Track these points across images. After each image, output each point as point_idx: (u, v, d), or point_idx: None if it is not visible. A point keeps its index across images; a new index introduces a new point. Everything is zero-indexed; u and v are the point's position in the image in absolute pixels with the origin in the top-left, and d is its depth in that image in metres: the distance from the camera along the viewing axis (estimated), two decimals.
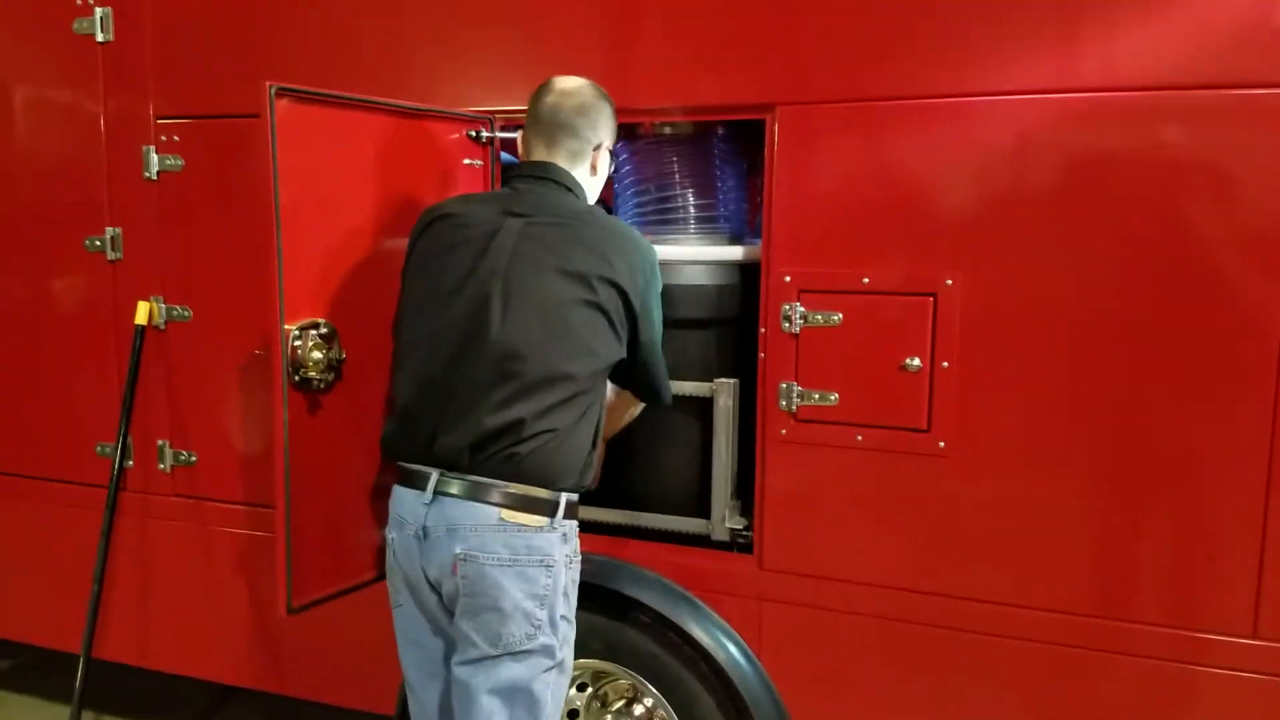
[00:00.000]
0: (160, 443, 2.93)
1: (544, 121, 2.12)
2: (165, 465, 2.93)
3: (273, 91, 1.99)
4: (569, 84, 2.15)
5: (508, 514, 1.94)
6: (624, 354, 2.07)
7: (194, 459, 2.90)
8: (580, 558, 2.09)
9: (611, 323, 2.02)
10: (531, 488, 1.96)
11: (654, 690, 2.47)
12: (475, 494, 1.95)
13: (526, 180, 2.12)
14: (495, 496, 1.94)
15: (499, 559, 1.94)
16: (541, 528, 1.96)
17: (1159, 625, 2.06)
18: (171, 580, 2.98)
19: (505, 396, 1.93)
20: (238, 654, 2.92)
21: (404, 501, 2.03)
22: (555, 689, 2.02)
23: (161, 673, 3.09)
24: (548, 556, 1.96)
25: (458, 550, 1.94)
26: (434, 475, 1.97)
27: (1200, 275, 1.97)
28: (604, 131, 2.17)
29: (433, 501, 1.97)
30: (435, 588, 2.03)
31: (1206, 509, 2.01)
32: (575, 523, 2.05)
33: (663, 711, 2.50)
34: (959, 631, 2.21)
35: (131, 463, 2.96)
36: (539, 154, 2.14)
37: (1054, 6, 2.02)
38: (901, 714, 2.29)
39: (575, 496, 2.02)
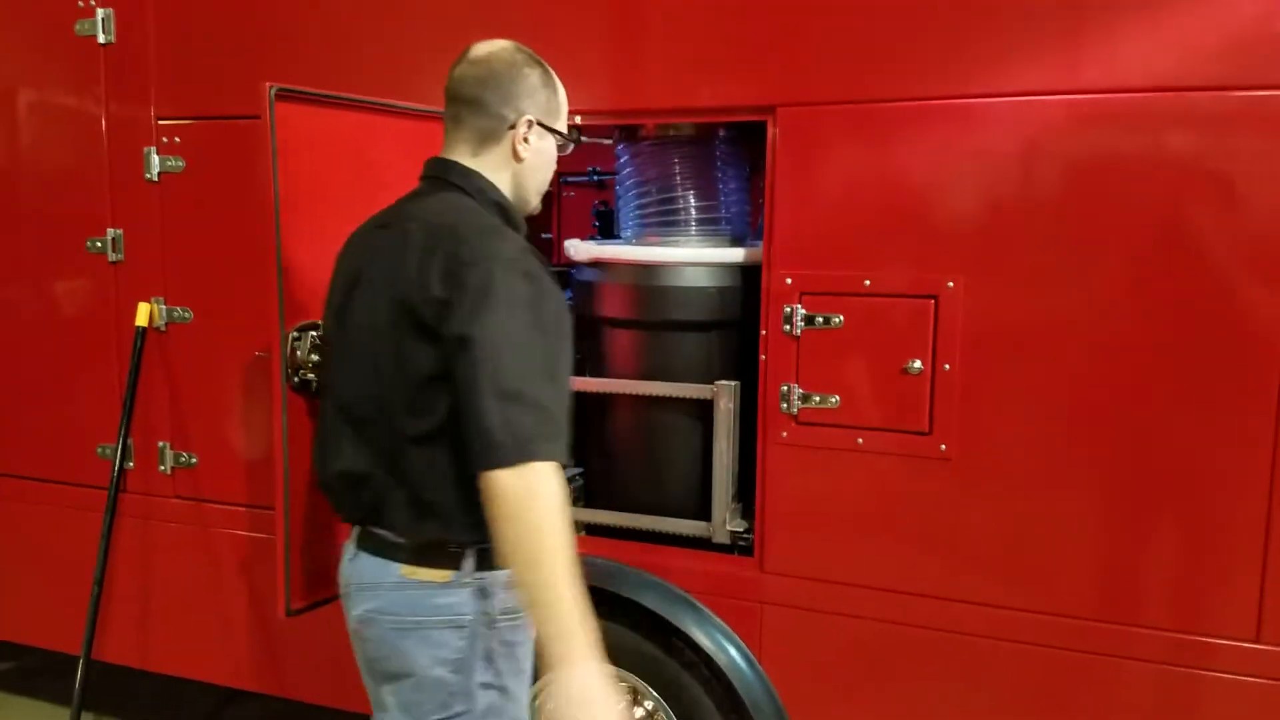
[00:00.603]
0: (161, 444, 2.92)
1: (449, 97, 1.81)
2: (166, 467, 2.92)
3: (273, 93, 1.99)
4: (481, 49, 1.81)
5: (407, 570, 1.72)
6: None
7: (194, 460, 2.90)
8: (519, 616, 1.74)
9: (416, 344, 1.66)
10: (430, 539, 1.71)
11: (654, 693, 2.47)
12: (379, 548, 1.75)
13: (423, 181, 1.86)
14: (396, 551, 1.73)
15: (402, 622, 1.72)
16: (447, 583, 1.71)
17: (1163, 629, 2.05)
18: (172, 582, 2.97)
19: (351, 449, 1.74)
20: (238, 657, 2.91)
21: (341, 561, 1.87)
22: None
23: (163, 675, 3.08)
24: (458, 617, 1.70)
25: (359, 611, 1.77)
26: (356, 530, 1.81)
27: (1206, 281, 1.96)
28: (526, 103, 1.78)
29: (354, 557, 1.80)
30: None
31: (1210, 513, 2.00)
32: (506, 574, 1.68)
33: (663, 714, 2.49)
34: (961, 635, 2.20)
35: (132, 464, 2.96)
36: (446, 139, 1.84)
37: (1058, 7, 2.01)
38: (902, 718, 2.28)
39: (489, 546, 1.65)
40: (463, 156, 1.81)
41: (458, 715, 1.72)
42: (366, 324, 1.71)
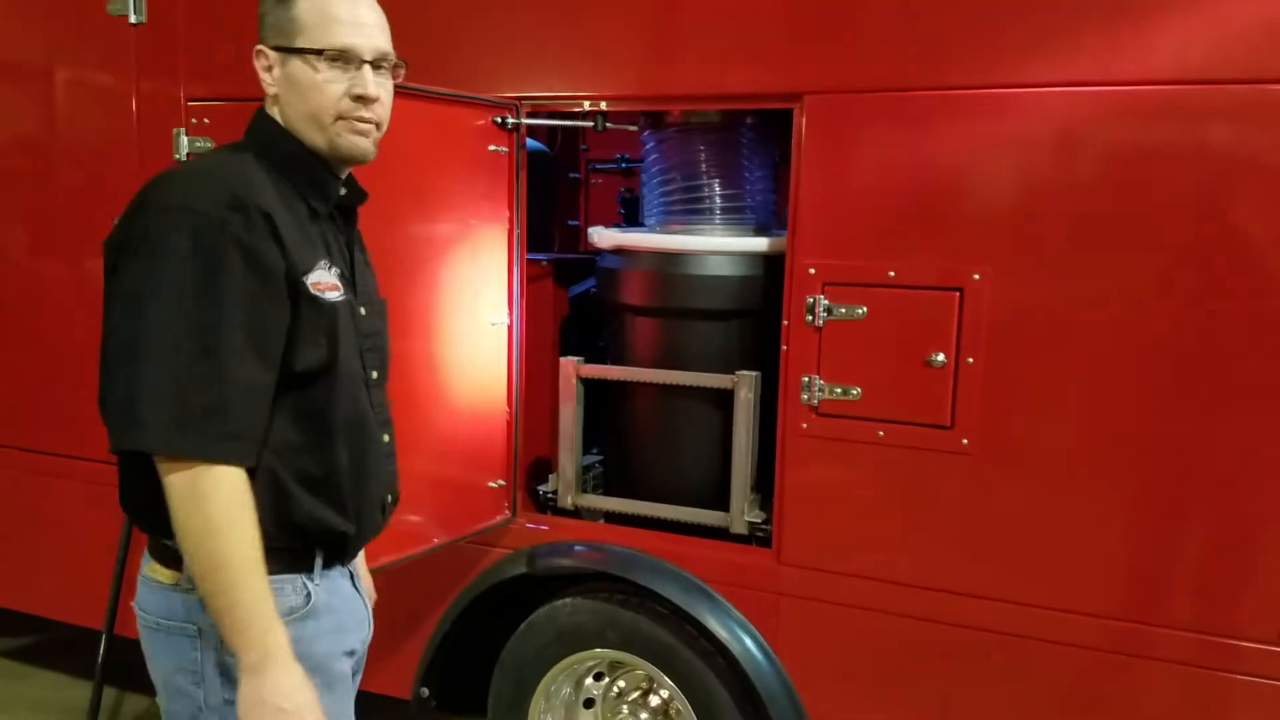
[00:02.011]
0: None
1: None
2: None
3: None
4: None
5: (149, 565, 1.56)
6: None
7: None
8: (286, 626, 1.47)
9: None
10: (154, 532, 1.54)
11: (670, 682, 2.47)
12: None
13: None
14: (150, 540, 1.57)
15: (146, 621, 1.56)
16: (175, 585, 1.52)
17: (1187, 630, 2.02)
18: None
19: None
20: None
21: None
22: None
23: None
24: (189, 624, 1.50)
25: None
26: None
27: (1239, 275, 1.92)
28: (261, 33, 1.61)
29: None
30: None
31: (1238, 513, 1.97)
32: None
33: (678, 703, 2.49)
34: (978, 630, 2.18)
35: None
36: None
37: None
38: (918, 712, 2.27)
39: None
40: (265, 104, 1.64)
41: None
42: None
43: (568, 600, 2.55)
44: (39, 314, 3.15)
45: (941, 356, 2.13)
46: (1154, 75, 1.95)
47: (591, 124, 2.54)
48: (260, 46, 1.60)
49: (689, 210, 2.62)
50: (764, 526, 2.47)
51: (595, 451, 2.90)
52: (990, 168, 2.08)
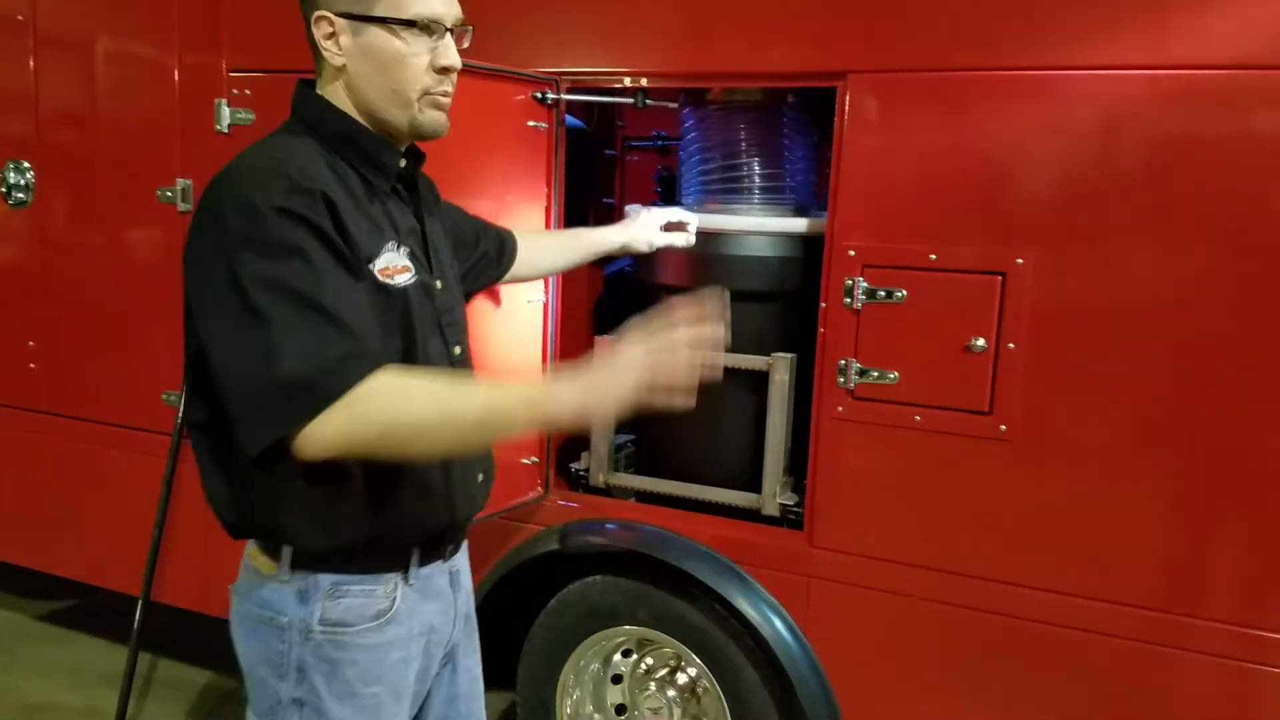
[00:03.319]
0: None
1: None
2: None
3: None
4: None
5: (250, 551, 1.56)
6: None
7: None
8: (366, 632, 1.52)
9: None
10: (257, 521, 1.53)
11: (698, 661, 2.47)
12: None
13: None
14: None
15: (238, 607, 1.57)
16: (273, 576, 1.51)
17: (1225, 623, 1.99)
18: None
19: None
20: None
21: None
22: None
23: (220, 619, 3.15)
24: (278, 616, 1.50)
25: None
26: None
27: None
28: None
29: None
30: None
31: (1277, 506, 1.94)
32: (332, 579, 1.50)
33: (706, 682, 2.50)
34: (1012, 619, 2.16)
35: None
36: None
37: None
38: (949, 698, 2.26)
39: (316, 544, 1.49)
40: (318, 81, 1.55)
41: None
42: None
43: (599, 578, 2.55)
44: (84, 284, 3.19)
45: (982, 341, 2.10)
46: (1205, 59, 1.90)
47: (632, 100, 2.52)
48: (323, 12, 1.47)
49: (728, 190, 2.60)
50: (796, 509, 2.46)
51: (627, 431, 2.90)
52: (1035, 151, 2.05)
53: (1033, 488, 2.11)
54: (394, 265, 1.48)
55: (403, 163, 1.58)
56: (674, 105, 2.70)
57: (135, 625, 2.97)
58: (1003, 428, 2.11)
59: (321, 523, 1.47)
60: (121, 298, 3.12)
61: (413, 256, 1.53)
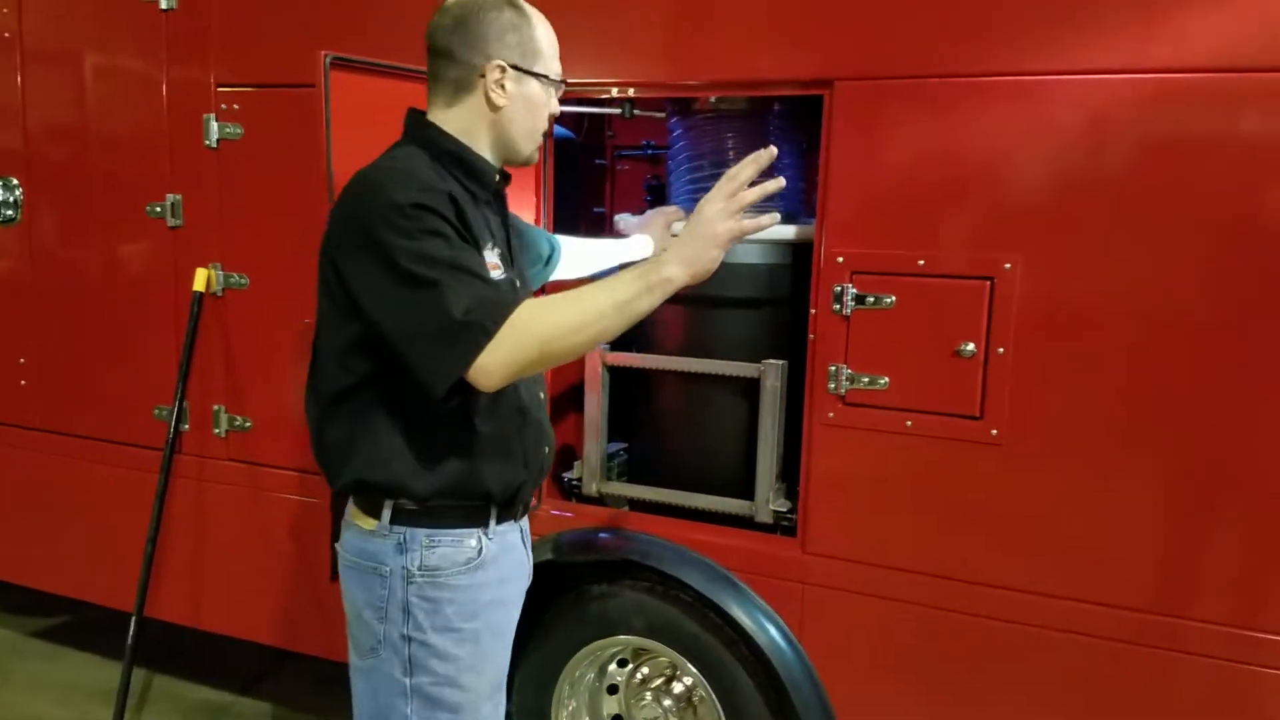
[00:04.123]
0: (216, 407, 2.98)
1: (427, 50, 1.79)
2: (220, 430, 2.98)
3: (327, 61, 2.00)
4: None
5: (352, 510, 1.83)
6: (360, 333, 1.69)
7: (249, 424, 2.94)
8: (459, 574, 1.78)
9: (335, 302, 1.71)
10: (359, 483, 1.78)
11: (694, 669, 2.47)
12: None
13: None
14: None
15: (345, 559, 1.84)
16: (373, 531, 1.78)
17: (1215, 624, 2.00)
18: (224, 544, 3.03)
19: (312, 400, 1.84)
20: (288, 618, 2.97)
21: None
22: None
23: (214, 634, 3.15)
24: (380, 565, 1.77)
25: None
26: None
27: (1274, 265, 1.90)
28: (495, 47, 1.74)
29: None
30: None
31: (1268, 508, 1.95)
32: (425, 532, 1.76)
33: (702, 690, 2.50)
34: (1005, 623, 2.16)
35: (188, 426, 3.02)
36: (428, 92, 1.83)
37: None
38: (944, 703, 2.26)
39: (411, 502, 1.75)
40: (437, 109, 1.80)
41: (383, 661, 1.78)
42: (319, 282, 1.76)
43: (593, 587, 2.55)
44: (74, 301, 3.19)
45: (971, 346, 2.11)
46: (1187, 63, 1.92)
47: (619, 111, 2.53)
48: (498, 61, 1.74)
49: None
50: (789, 516, 2.47)
51: (619, 440, 2.90)
52: (1022, 156, 2.06)
53: (1025, 491, 2.12)
54: (492, 261, 1.73)
55: (498, 179, 1.85)
56: (661, 115, 2.71)
57: (129, 640, 2.97)
58: (994, 432, 2.12)
59: (417, 481, 1.73)
60: (112, 313, 3.12)
61: (502, 258, 1.80)
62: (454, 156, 1.77)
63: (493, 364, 1.57)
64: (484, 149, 1.81)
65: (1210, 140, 1.92)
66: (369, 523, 1.78)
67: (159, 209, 2.98)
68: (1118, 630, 2.07)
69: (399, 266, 1.57)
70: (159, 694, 3.46)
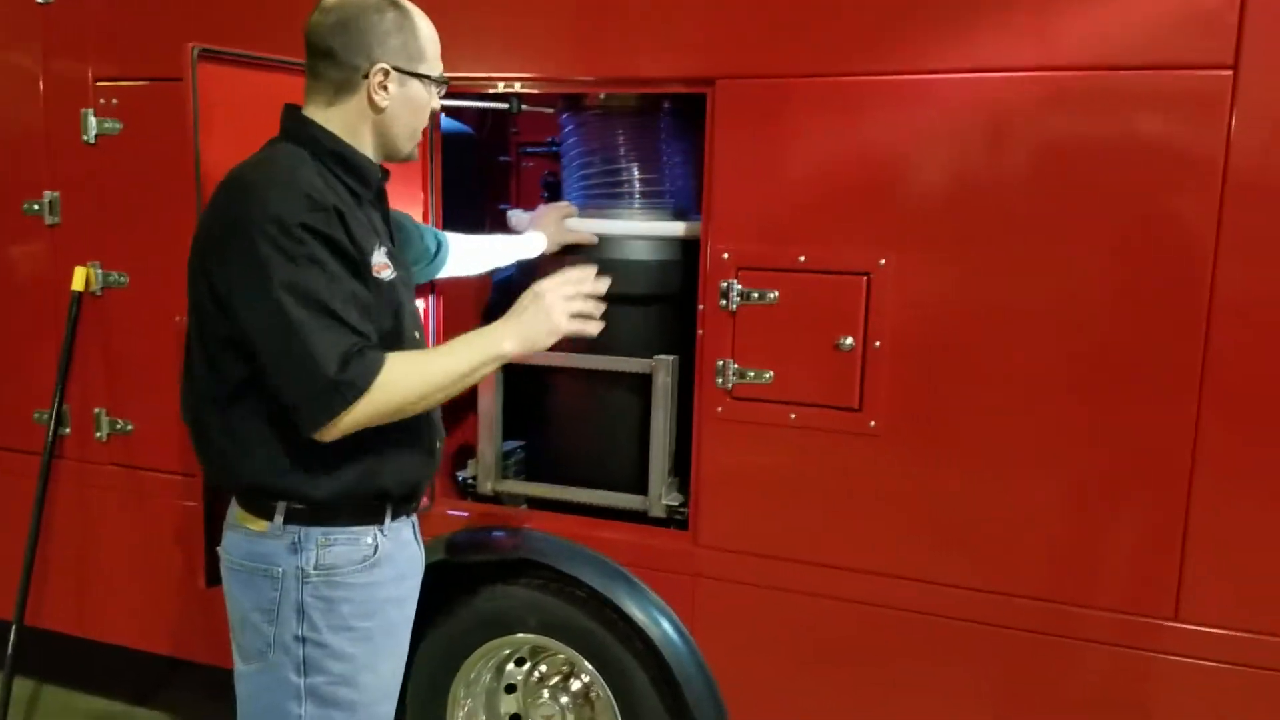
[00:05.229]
0: (97, 410, 2.89)
1: (306, 49, 1.78)
2: (102, 434, 2.89)
3: (195, 53, 1.95)
4: None
5: (240, 513, 1.81)
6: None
7: (130, 428, 2.86)
8: (356, 572, 1.78)
9: (208, 304, 1.70)
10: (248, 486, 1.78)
11: (590, 666, 2.47)
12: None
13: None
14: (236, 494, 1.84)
15: (230, 562, 1.82)
16: (264, 532, 1.76)
17: (1085, 607, 2.06)
18: (108, 550, 2.95)
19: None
20: (175, 625, 2.89)
21: None
22: None
23: (100, 643, 3.06)
24: (272, 567, 1.75)
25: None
26: None
27: (1133, 261, 1.96)
28: (378, 50, 1.73)
29: None
30: None
31: (1135, 495, 2.02)
32: (320, 531, 1.75)
33: (599, 689, 2.50)
34: (891, 610, 2.21)
35: (68, 430, 2.93)
36: (305, 91, 1.81)
37: None
38: (833, 691, 2.30)
39: (306, 503, 1.75)
40: (317, 107, 1.79)
41: (272, 664, 1.77)
42: (191, 280, 1.75)
43: (487, 586, 2.54)
44: None
45: (850, 340, 2.15)
46: (1065, 61, 1.96)
47: (506, 105, 2.51)
48: (382, 64, 1.74)
49: (608, 194, 2.61)
50: (681, 510, 2.48)
51: (516, 438, 2.89)
52: (895, 154, 2.10)
53: (902, 481, 2.16)
54: (381, 262, 1.76)
55: (381, 175, 1.86)
56: (550, 110, 2.70)
57: (9, 650, 2.87)
58: (872, 423, 2.16)
59: (313, 482, 1.73)
60: None
61: (391, 255, 1.81)
62: (337, 156, 1.77)
63: (348, 423, 1.64)
64: (365, 148, 1.81)
65: (1076, 138, 1.97)
66: (259, 524, 1.76)
67: (36, 206, 2.88)
68: (998, 616, 2.12)
69: (273, 294, 1.58)
70: (49, 705, 3.35)
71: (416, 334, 1.91)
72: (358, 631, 1.79)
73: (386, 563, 1.83)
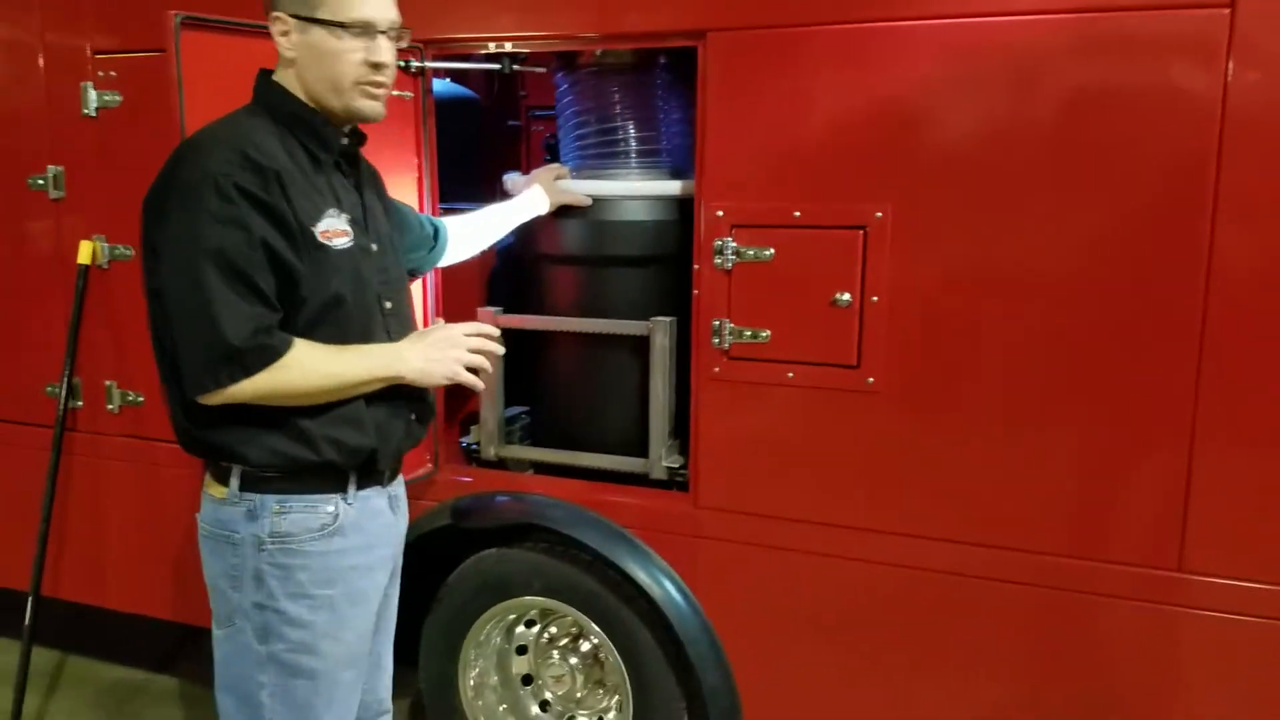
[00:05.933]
0: (108, 383, 2.91)
1: None
2: (113, 406, 2.91)
3: (177, 21, 1.94)
4: None
5: (206, 480, 1.83)
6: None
7: (141, 399, 2.89)
8: (313, 540, 1.77)
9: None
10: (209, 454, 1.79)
11: (596, 627, 2.48)
12: None
13: None
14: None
15: (201, 528, 1.83)
16: (223, 499, 1.77)
17: (1085, 559, 2.04)
18: (123, 520, 2.98)
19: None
20: (189, 594, 2.92)
21: None
22: (275, 691, 1.78)
23: (117, 612, 3.11)
24: (232, 534, 1.76)
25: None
26: None
27: (1133, 212, 1.92)
28: (280, 1, 1.73)
29: None
30: None
31: (1137, 448, 1.98)
32: (276, 499, 1.75)
33: (606, 651, 2.51)
34: (892, 566, 2.19)
35: (80, 403, 2.95)
36: None
37: None
38: (835, 648, 2.29)
39: (256, 469, 1.74)
40: (279, 68, 1.81)
41: (238, 630, 1.78)
42: (141, 244, 1.76)
43: (493, 551, 2.55)
44: None
45: (847, 296, 2.12)
46: (1055, 4, 1.91)
47: (499, 66, 2.49)
48: (278, 13, 1.73)
49: (604, 155, 2.58)
50: (682, 471, 2.47)
51: (521, 404, 2.88)
52: (892, 106, 2.06)
53: (902, 438, 2.14)
54: (335, 229, 1.74)
55: (344, 140, 1.83)
56: (543, 70, 2.67)
57: (27, 620, 2.91)
58: (870, 380, 2.13)
59: (250, 445, 1.71)
60: None
61: (353, 223, 1.78)
62: (293, 117, 1.77)
63: (239, 394, 1.64)
64: (322, 107, 1.79)
65: (1073, 83, 1.92)
66: (220, 490, 1.78)
67: (40, 181, 2.89)
68: (999, 571, 2.10)
69: (194, 256, 1.60)
70: (71, 675, 3.41)
71: (388, 304, 1.87)
72: (317, 600, 1.78)
73: (352, 531, 1.82)
